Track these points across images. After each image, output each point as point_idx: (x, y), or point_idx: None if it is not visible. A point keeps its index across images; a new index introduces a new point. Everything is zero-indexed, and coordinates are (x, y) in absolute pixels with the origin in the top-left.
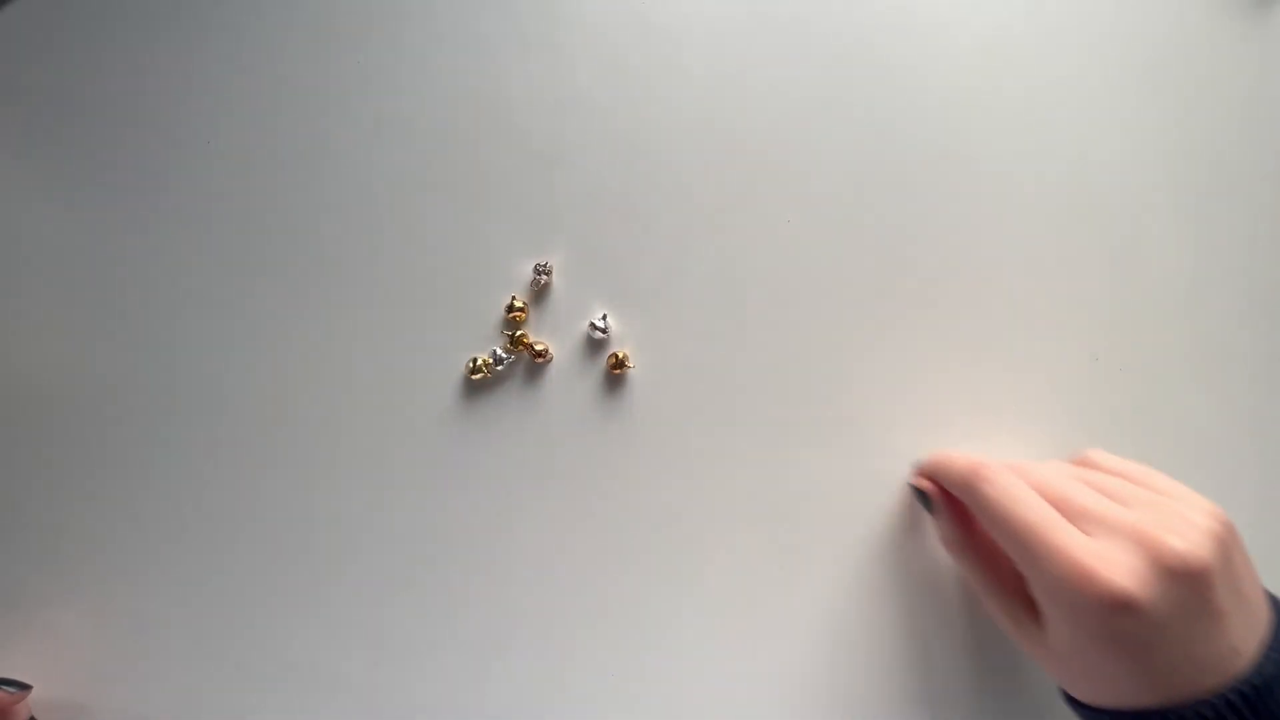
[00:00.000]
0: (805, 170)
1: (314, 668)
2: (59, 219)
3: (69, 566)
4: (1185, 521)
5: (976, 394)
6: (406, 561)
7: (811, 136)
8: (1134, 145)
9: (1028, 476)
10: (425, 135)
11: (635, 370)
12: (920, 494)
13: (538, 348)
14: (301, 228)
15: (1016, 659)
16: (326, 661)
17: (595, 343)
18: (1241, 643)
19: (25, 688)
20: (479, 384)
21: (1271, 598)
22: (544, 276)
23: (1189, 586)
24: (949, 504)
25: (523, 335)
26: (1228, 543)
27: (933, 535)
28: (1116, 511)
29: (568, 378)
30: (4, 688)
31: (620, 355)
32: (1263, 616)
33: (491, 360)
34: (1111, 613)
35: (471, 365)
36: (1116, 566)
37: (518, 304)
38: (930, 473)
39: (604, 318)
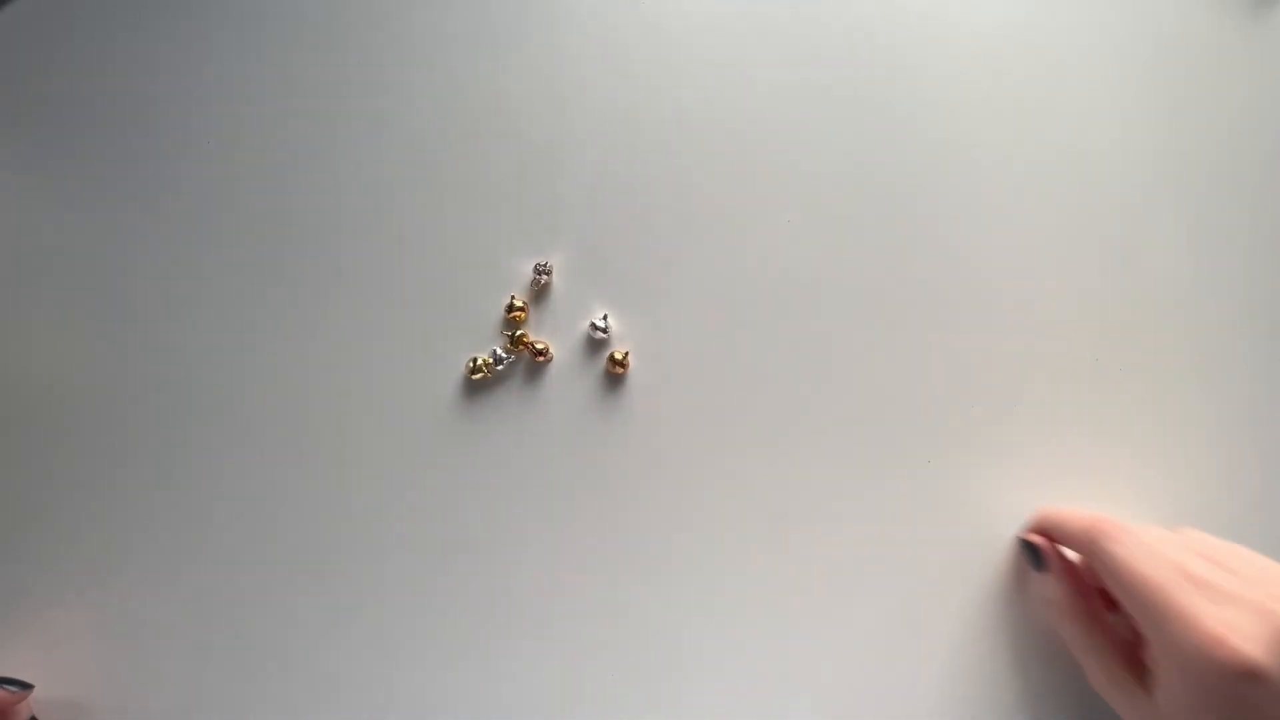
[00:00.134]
0: (806, 170)
1: (314, 667)
2: (57, 219)
3: (70, 566)
4: None
5: (976, 394)
6: (406, 561)
7: (812, 136)
8: (1134, 145)
9: (1142, 539)
10: (425, 135)
11: (635, 370)
12: (1030, 549)
13: (538, 347)
14: (301, 228)
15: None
16: (326, 661)
17: (595, 343)
18: None
19: (27, 687)
20: (479, 384)
21: None
22: (544, 276)
23: None
24: (1058, 563)
25: (523, 335)
26: None
27: (941, 534)
28: (1235, 583)
29: (568, 378)
30: (5, 687)
31: (620, 355)
32: None
33: (491, 360)
34: (1238, 680)
35: (471, 365)
36: (1246, 635)
37: (518, 304)
38: (1044, 528)
39: (604, 318)
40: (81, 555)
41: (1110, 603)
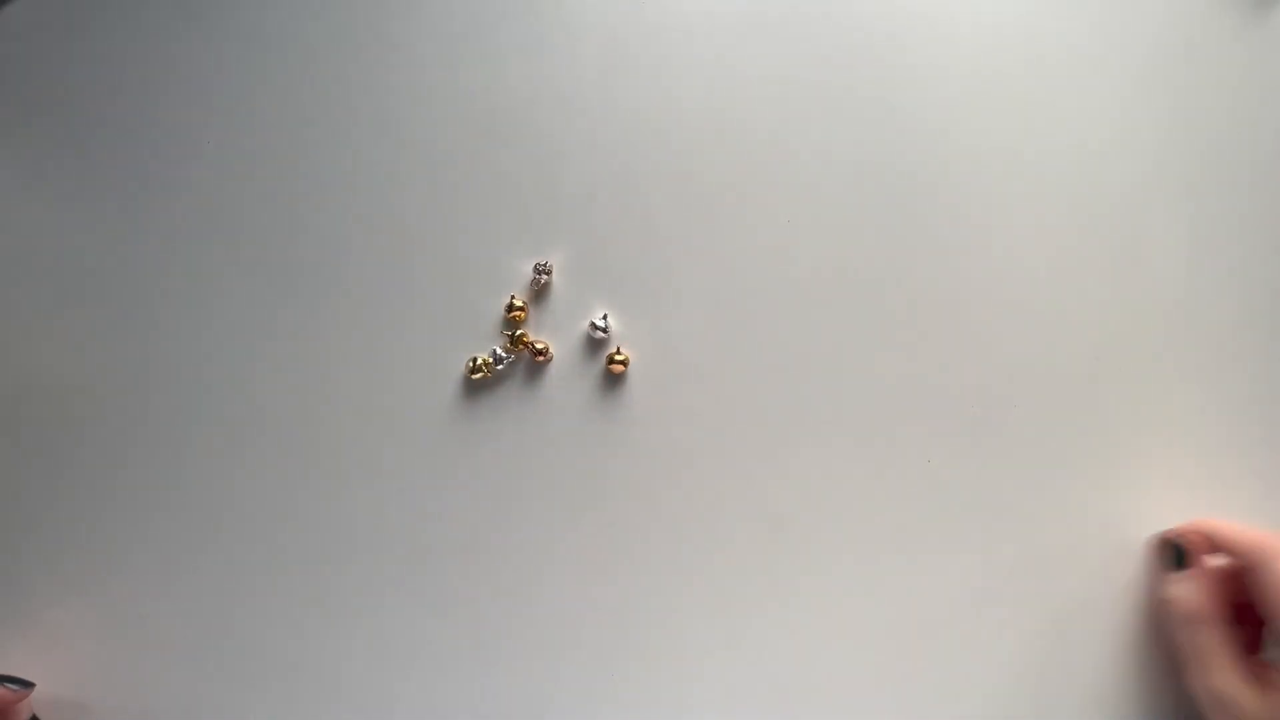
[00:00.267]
0: (806, 170)
1: (314, 668)
2: (58, 220)
3: (70, 566)
4: None
5: (976, 392)
6: (406, 561)
7: (812, 136)
8: (1134, 145)
9: None
10: (425, 135)
11: (635, 370)
12: (1176, 549)
13: (538, 347)
14: (301, 228)
15: None
16: (326, 661)
17: (595, 342)
18: None
19: (28, 685)
20: (479, 384)
21: None
22: (544, 276)
23: None
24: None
25: (523, 335)
26: None
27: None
28: None
29: (568, 377)
30: (6, 685)
31: (620, 355)
32: None
33: (491, 360)
34: None
35: (471, 365)
36: None
37: (518, 304)
38: (1198, 536)
39: (604, 317)
40: (81, 555)
41: (1241, 617)
